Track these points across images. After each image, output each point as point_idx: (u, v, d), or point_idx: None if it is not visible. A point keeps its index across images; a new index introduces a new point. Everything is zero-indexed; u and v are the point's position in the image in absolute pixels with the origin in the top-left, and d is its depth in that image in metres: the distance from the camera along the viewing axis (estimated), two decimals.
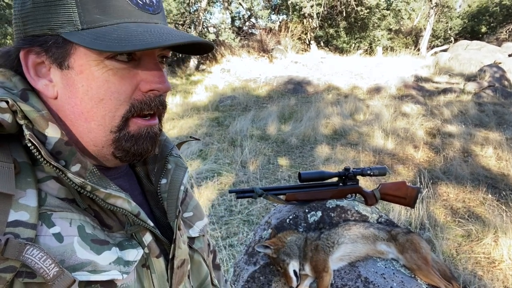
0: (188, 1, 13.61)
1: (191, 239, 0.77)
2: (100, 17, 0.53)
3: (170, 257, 0.66)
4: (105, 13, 0.53)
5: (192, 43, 0.57)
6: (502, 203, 3.89)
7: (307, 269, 1.37)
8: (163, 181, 0.73)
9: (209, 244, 0.94)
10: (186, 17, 14.32)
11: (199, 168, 5.11)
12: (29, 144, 0.51)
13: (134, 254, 0.59)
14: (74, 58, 0.55)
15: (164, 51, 0.62)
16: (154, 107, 0.60)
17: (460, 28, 20.34)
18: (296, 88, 10.86)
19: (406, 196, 1.62)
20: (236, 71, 12.96)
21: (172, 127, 7.27)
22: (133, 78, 0.57)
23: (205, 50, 0.64)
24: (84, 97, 0.56)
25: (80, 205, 0.57)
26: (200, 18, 14.29)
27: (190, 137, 0.89)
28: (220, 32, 14.03)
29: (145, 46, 0.51)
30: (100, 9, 0.53)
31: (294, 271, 1.34)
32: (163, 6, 0.62)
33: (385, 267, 1.38)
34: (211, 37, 13.98)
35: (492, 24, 19.64)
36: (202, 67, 14.70)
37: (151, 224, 0.63)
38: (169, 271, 0.66)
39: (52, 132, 0.55)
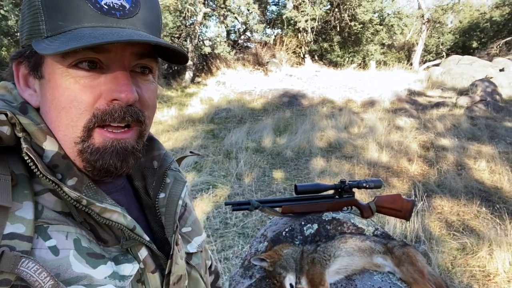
0: (184, 14, 13.75)
1: (189, 255, 0.75)
2: (62, 23, 0.53)
3: (166, 272, 0.65)
4: (66, 19, 0.53)
5: (138, 42, 0.54)
6: (496, 216, 3.90)
7: (304, 283, 1.35)
8: (161, 195, 0.72)
9: (211, 265, 0.93)
10: (182, 30, 14.44)
11: (194, 180, 5.08)
12: (26, 157, 0.51)
13: (129, 269, 0.58)
14: (44, 67, 0.56)
15: (141, 60, 0.59)
16: (118, 118, 0.56)
17: (452, 43, 20.71)
18: (291, 101, 10.92)
19: (402, 209, 1.62)
20: (231, 83, 13.02)
21: (167, 139, 7.25)
22: (96, 87, 0.55)
23: (179, 58, 0.61)
24: (50, 106, 0.56)
25: (76, 218, 0.56)
26: (196, 31, 14.41)
27: (190, 152, 0.87)
28: (215, 45, 14.16)
29: (72, 46, 0.48)
30: (63, 15, 0.53)
31: (291, 285, 1.33)
32: (146, 12, 0.59)
33: (382, 280, 1.37)
34: (207, 50, 14.09)
35: (483, 40, 20.03)
36: (197, 79, 14.77)
37: (147, 238, 0.62)
38: (164, 286, 0.65)
39: (50, 145, 0.56)
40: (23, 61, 0.58)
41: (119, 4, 0.55)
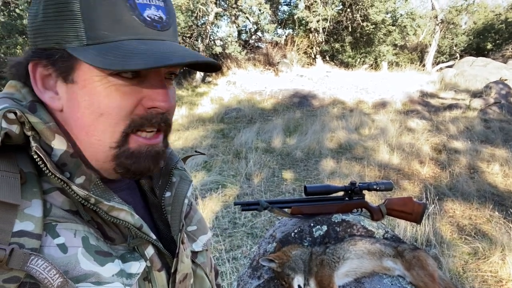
0: (196, 14, 13.82)
1: (194, 254, 0.76)
2: (106, 33, 0.52)
3: (172, 271, 0.66)
4: (111, 29, 0.53)
5: (196, 62, 0.55)
6: (509, 220, 3.83)
7: (312, 284, 1.35)
8: (167, 194, 0.73)
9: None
10: (193, 30, 14.51)
11: (203, 179, 5.10)
12: (35, 156, 0.51)
13: (136, 267, 0.59)
14: (78, 73, 0.55)
15: (171, 68, 0.60)
16: (156, 124, 0.59)
17: (466, 45, 20.41)
18: (301, 101, 10.90)
19: (413, 212, 1.60)
20: (241, 83, 13.04)
21: (178, 138, 7.30)
22: (136, 94, 0.56)
23: (212, 68, 0.62)
24: (85, 111, 0.56)
25: (83, 217, 0.57)
26: (207, 31, 14.48)
27: (195, 151, 0.88)
28: (226, 45, 14.19)
29: (145, 66, 0.50)
30: (107, 25, 0.52)
31: (299, 286, 1.32)
32: (174, 23, 0.61)
33: (392, 284, 1.36)
34: (218, 49, 14.13)
35: (497, 41, 19.69)
36: (208, 79, 14.82)
37: (154, 237, 0.62)
38: (170, 285, 0.65)
39: (58, 144, 0.56)
40: (47, 63, 0.57)
41: (158, 16, 0.56)
